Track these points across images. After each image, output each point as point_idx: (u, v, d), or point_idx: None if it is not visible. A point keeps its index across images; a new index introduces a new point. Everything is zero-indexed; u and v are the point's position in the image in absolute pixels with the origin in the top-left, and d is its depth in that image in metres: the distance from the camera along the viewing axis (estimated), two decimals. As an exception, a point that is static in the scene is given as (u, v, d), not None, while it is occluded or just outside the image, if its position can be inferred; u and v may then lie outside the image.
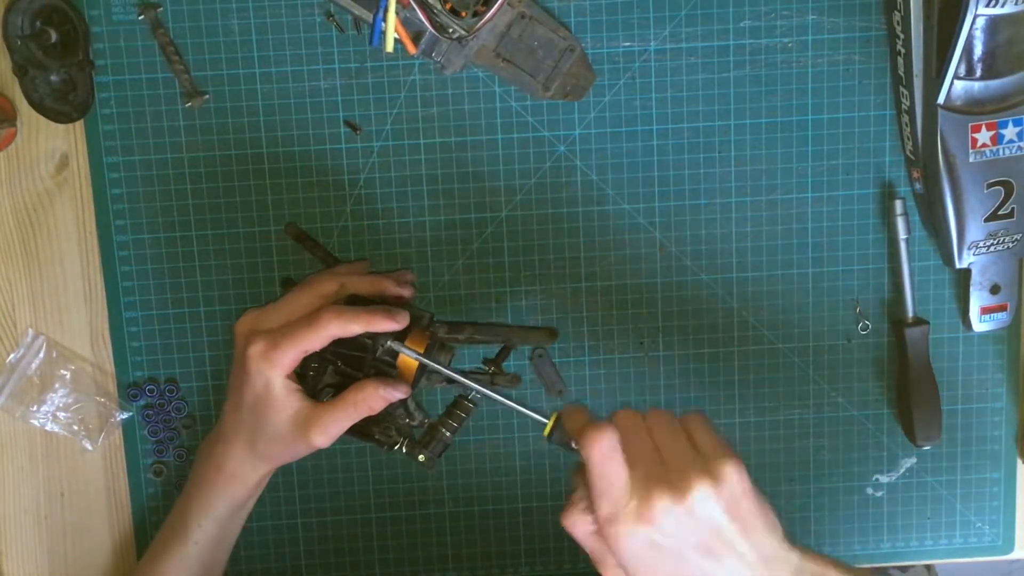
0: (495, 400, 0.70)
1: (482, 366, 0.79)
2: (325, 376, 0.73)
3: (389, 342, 0.72)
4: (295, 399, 0.71)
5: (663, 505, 0.59)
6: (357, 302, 0.74)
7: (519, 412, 0.69)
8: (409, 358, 0.72)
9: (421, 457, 0.75)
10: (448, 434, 0.75)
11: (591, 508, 0.62)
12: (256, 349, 0.71)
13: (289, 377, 0.71)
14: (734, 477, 0.60)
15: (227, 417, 0.75)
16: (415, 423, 0.76)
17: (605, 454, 0.61)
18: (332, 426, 0.71)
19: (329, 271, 0.76)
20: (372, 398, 0.71)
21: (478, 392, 0.72)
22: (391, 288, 0.76)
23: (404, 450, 0.76)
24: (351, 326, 0.70)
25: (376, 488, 0.85)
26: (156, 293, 0.81)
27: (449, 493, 0.85)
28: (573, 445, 0.64)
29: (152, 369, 0.82)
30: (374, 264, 0.81)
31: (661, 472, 0.60)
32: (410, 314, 0.73)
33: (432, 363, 0.72)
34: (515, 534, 0.86)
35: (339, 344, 0.71)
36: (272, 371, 0.71)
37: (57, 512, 0.84)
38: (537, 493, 0.85)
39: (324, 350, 0.71)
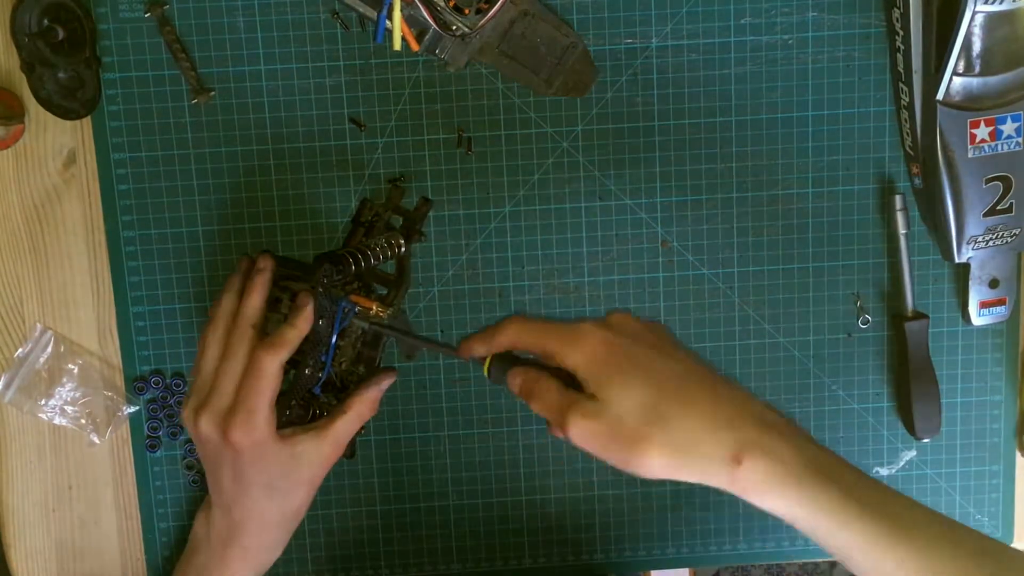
0: (402, 335, 0.76)
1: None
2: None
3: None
4: (295, 441, 0.72)
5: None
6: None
7: (430, 347, 0.75)
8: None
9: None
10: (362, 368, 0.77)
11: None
12: (236, 435, 0.70)
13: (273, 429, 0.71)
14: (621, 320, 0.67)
15: (235, 512, 0.73)
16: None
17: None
18: (342, 438, 0.74)
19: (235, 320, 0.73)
20: (371, 400, 0.75)
21: (382, 329, 0.75)
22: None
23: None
24: (285, 352, 0.71)
25: (381, 481, 0.85)
26: (163, 288, 0.82)
27: (454, 486, 0.86)
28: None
29: (159, 363, 0.83)
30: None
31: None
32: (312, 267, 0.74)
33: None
34: (519, 527, 0.86)
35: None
36: (262, 438, 0.70)
37: (65, 505, 0.84)
38: (541, 486, 0.85)
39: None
